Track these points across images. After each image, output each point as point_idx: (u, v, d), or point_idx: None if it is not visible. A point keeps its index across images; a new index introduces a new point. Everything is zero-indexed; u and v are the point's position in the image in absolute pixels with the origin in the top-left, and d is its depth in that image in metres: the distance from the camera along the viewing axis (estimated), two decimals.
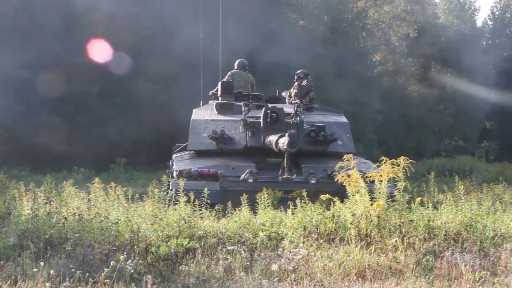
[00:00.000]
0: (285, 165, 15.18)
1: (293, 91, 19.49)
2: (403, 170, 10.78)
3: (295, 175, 15.89)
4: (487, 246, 10.22)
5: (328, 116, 18.37)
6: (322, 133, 16.96)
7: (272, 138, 15.73)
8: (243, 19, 34.70)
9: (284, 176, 15.06)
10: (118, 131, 34.47)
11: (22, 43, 34.58)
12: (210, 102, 18.97)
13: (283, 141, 14.95)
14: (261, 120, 16.66)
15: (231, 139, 16.99)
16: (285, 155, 15.11)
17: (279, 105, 17.62)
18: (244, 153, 16.44)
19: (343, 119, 18.56)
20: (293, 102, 18.61)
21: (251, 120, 16.81)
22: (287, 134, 15.06)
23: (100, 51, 34.10)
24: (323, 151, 17.10)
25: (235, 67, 19.96)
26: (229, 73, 19.81)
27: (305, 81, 19.51)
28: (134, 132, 35.38)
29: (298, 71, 19.98)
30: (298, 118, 17.22)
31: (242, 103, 17.62)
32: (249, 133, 16.77)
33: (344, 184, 10.94)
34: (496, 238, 10.63)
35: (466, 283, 8.58)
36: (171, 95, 34.85)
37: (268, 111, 16.46)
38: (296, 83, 19.49)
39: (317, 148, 17.06)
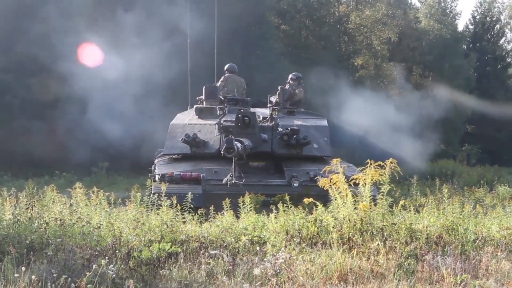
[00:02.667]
0: (233, 171, 15.13)
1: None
2: (389, 173, 10.85)
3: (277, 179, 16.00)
4: (468, 249, 10.28)
5: (308, 120, 18.39)
6: (295, 136, 16.99)
7: None
8: (225, 23, 34.65)
9: (233, 181, 14.97)
10: (101, 136, 34.27)
11: (2, 47, 34.38)
12: (195, 106, 18.95)
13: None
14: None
15: (205, 143, 17.01)
16: (233, 160, 15.05)
17: (253, 109, 17.65)
18: (222, 157, 16.39)
19: (323, 123, 18.57)
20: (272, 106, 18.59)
21: (225, 124, 16.77)
22: (225, 139, 15.09)
23: (84, 55, 33.87)
24: (297, 154, 17.14)
25: (226, 72, 19.94)
26: (222, 78, 19.83)
27: (287, 85, 19.56)
28: (117, 136, 35.14)
29: (292, 74, 20.01)
30: (273, 122, 17.26)
31: (218, 106, 17.64)
32: (223, 136, 16.73)
33: (326, 188, 10.95)
34: (477, 241, 10.70)
35: (448, 286, 8.62)
36: (156, 99, 34.68)
37: (240, 115, 16.44)
38: (279, 87, 19.52)
39: (291, 151, 17.10)
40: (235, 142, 14.49)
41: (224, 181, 15.19)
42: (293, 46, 46.74)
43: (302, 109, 19.56)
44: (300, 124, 17.83)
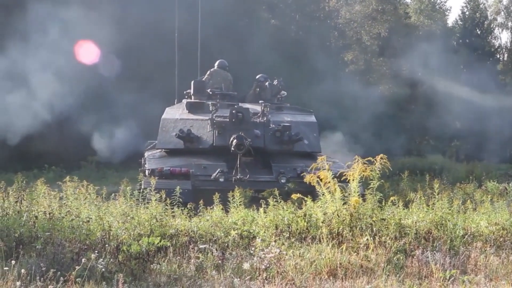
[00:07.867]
0: (238, 166, 15.37)
1: (255, 91, 19.72)
2: (379, 169, 10.87)
3: (265, 175, 16.08)
4: (457, 245, 10.32)
5: (297, 116, 18.47)
6: (288, 132, 17.06)
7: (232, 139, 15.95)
8: (215, 18, 34.60)
9: (237, 177, 15.16)
10: (90, 129, 34.13)
11: None
12: (183, 100, 18.99)
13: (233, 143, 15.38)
14: (227, 120, 16.80)
15: (198, 138, 17.08)
16: (238, 156, 15.37)
17: (246, 105, 17.74)
18: (214, 152, 16.53)
19: (312, 118, 18.64)
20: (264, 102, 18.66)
21: (218, 119, 16.87)
22: (235, 135, 15.31)
23: (73, 49, 33.69)
24: (288, 150, 17.21)
25: (215, 67, 20.17)
26: (208, 72, 19.99)
27: (276, 80, 19.61)
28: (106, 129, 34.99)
29: (258, 76, 20.10)
30: (265, 118, 17.32)
31: (210, 102, 17.69)
32: (216, 132, 16.85)
33: (312, 184, 10.97)
34: (466, 236, 10.74)
35: (437, 282, 8.64)
36: (145, 93, 34.61)
37: (234, 111, 16.59)
38: (256, 83, 19.72)
39: (283, 147, 17.16)
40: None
41: (212, 177, 15.32)
42: (283, 41, 46.57)
43: (288, 104, 19.63)
44: (290, 120, 17.88)
